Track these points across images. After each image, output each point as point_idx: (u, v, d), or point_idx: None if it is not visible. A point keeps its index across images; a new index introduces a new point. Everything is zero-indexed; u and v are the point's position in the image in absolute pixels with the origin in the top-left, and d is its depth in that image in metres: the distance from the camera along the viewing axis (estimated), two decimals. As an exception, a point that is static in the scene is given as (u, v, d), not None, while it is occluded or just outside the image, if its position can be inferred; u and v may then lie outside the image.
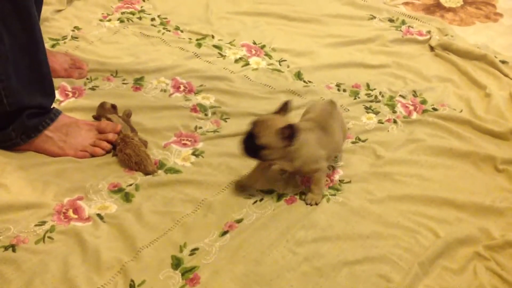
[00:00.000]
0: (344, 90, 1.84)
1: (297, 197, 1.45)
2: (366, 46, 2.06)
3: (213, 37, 2.05)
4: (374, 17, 2.23)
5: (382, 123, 1.71)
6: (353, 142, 1.63)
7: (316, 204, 1.42)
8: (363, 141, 1.64)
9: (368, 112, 1.75)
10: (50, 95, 1.51)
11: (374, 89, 1.85)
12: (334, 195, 1.46)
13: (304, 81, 1.87)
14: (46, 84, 1.49)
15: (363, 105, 1.77)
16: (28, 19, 1.41)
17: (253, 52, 1.99)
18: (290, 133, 1.31)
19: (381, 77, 1.90)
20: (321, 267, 1.27)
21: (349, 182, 1.50)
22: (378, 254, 1.31)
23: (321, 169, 1.42)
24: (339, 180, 1.50)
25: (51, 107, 1.52)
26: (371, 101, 1.79)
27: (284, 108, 1.38)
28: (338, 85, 1.86)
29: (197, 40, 2.02)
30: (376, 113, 1.75)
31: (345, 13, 2.25)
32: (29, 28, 1.42)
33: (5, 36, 1.38)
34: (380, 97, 1.81)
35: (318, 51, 2.02)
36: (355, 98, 1.80)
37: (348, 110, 1.75)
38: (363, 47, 2.06)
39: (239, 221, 1.37)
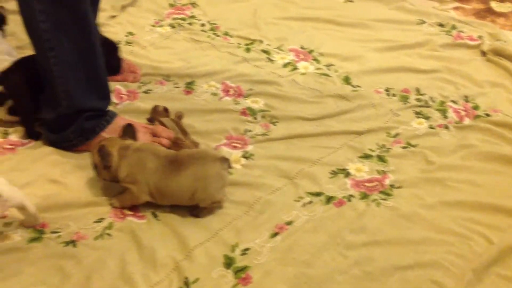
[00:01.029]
0: (394, 95, 1.83)
1: (346, 200, 1.46)
2: (415, 51, 2.05)
3: (261, 42, 2.08)
4: (424, 22, 2.21)
5: (433, 128, 1.70)
6: (403, 147, 1.63)
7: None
8: (414, 146, 1.63)
9: (418, 117, 1.74)
10: (106, 98, 1.56)
11: (425, 94, 1.83)
12: (385, 199, 1.46)
13: (353, 86, 1.88)
14: (102, 87, 1.54)
15: (413, 110, 1.77)
16: (86, 25, 1.46)
17: (301, 56, 2.01)
18: (102, 154, 1.33)
19: (431, 82, 1.89)
20: (372, 271, 1.27)
21: (400, 187, 1.49)
22: (430, 259, 1.30)
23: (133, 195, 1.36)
24: (390, 185, 1.50)
25: (107, 109, 1.57)
26: (421, 106, 1.78)
27: (126, 132, 1.41)
28: (387, 90, 1.86)
29: (245, 45, 2.06)
30: (427, 118, 1.74)
31: (393, 17, 2.25)
32: (87, 34, 1.47)
33: (64, 42, 1.44)
34: (430, 102, 1.80)
35: (366, 55, 2.02)
36: (404, 103, 1.80)
37: (398, 115, 1.75)
38: (412, 52, 2.05)
39: (289, 223, 1.39)
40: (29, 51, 1.76)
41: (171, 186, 1.34)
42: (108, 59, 1.56)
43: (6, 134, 1.57)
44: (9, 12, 1.95)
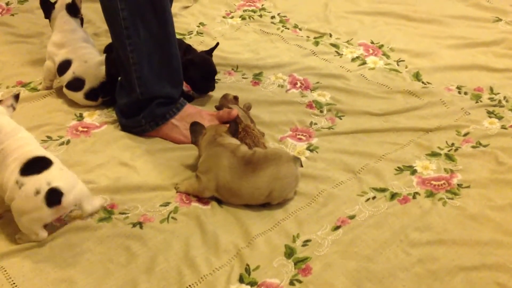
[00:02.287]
0: (465, 93, 1.78)
1: (411, 197, 1.43)
2: (490, 49, 1.99)
3: (330, 35, 2.07)
4: (500, 20, 2.14)
5: (506, 128, 1.64)
6: (473, 147, 1.58)
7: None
8: (484, 146, 1.58)
9: (490, 117, 1.68)
10: (178, 86, 1.60)
11: (498, 93, 1.77)
12: (452, 199, 1.42)
13: (423, 82, 1.84)
14: (175, 75, 1.58)
15: (486, 109, 1.71)
16: (162, 14, 1.51)
17: (371, 51, 1.98)
18: (192, 132, 1.41)
19: (506, 81, 1.83)
20: (435, 271, 1.24)
21: (468, 187, 1.45)
22: (496, 262, 1.26)
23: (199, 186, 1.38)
24: (458, 184, 1.46)
25: (178, 97, 1.61)
26: (494, 106, 1.72)
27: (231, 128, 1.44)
28: (458, 88, 1.80)
29: (314, 38, 2.05)
30: (499, 118, 1.68)
31: (469, 14, 2.18)
32: (163, 23, 1.51)
33: (141, 30, 1.48)
34: (504, 102, 1.74)
35: (438, 52, 1.97)
36: (476, 102, 1.74)
37: (469, 113, 1.70)
38: (487, 50, 1.98)
39: (351, 217, 1.38)
40: (105, 38, 1.85)
41: (245, 187, 1.36)
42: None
43: (81, 117, 1.64)
44: (86, 0, 2.04)
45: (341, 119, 1.69)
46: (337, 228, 1.35)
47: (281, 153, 1.42)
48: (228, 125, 1.46)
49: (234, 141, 1.42)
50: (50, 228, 1.27)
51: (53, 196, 1.19)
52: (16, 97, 1.32)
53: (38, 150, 1.25)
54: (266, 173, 1.35)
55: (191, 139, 1.43)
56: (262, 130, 1.62)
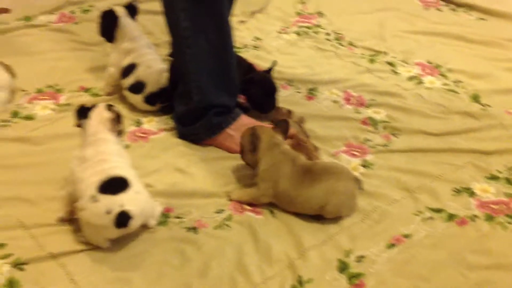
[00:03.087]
0: (526, 117, 1.74)
1: (469, 219, 1.40)
2: (551, 74, 1.94)
3: (386, 54, 2.06)
4: (562, 44, 2.09)
5: None
6: (534, 171, 1.54)
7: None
8: (547, 171, 1.54)
9: (554, 143, 1.64)
10: (234, 96, 1.62)
11: (561, 118, 1.73)
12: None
13: (481, 104, 1.81)
14: (232, 85, 1.60)
15: (547, 134, 1.67)
16: (222, 25, 1.53)
17: (427, 71, 1.97)
18: (252, 138, 1.37)
19: None
20: (494, 295, 1.21)
21: (530, 212, 1.41)
22: (559, 290, 1.22)
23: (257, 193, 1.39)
24: (518, 208, 1.42)
25: (234, 107, 1.62)
26: (556, 131, 1.68)
27: (279, 125, 1.44)
28: (519, 111, 1.77)
29: (370, 56, 2.05)
30: None
31: (528, 38, 2.14)
32: (223, 34, 1.54)
33: (201, 40, 1.51)
34: None
35: (497, 74, 1.94)
36: (538, 126, 1.70)
37: (530, 138, 1.66)
38: (548, 75, 1.94)
39: (407, 236, 1.36)
40: (164, 49, 1.89)
41: (302, 196, 1.36)
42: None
43: (139, 123, 1.68)
44: (147, 12, 2.09)
45: (396, 137, 1.67)
46: (392, 246, 1.33)
47: (342, 168, 1.42)
48: (271, 126, 1.45)
49: (293, 150, 1.43)
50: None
51: (122, 219, 1.20)
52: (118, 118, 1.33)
53: (119, 169, 1.25)
54: (324, 185, 1.35)
55: (249, 147, 1.41)
56: (316, 144, 1.62)
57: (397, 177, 1.52)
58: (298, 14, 2.30)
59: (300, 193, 1.35)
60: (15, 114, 1.66)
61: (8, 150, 1.53)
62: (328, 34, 2.18)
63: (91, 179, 1.22)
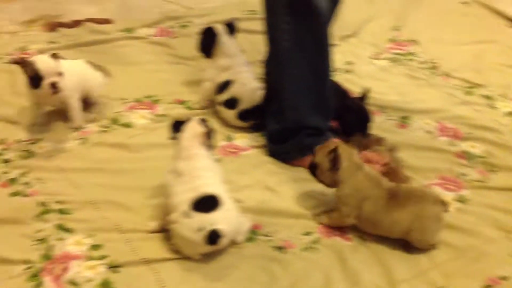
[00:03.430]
0: None
1: None
2: None
3: (483, 86, 1.99)
4: None
5: None
6: None
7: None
8: None
9: None
10: (327, 119, 1.62)
11: None
12: None
13: None
14: (326, 108, 1.60)
15: None
16: (323, 48, 1.54)
17: (528, 107, 1.89)
18: (333, 157, 1.32)
19: None
20: None
21: None
22: None
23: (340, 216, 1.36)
24: None
25: (326, 130, 1.61)
26: None
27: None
28: None
29: (466, 87, 1.99)
30: None
31: None
32: (323, 56, 1.54)
33: (300, 61, 1.52)
34: None
35: None
36: None
37: None
38: None
39: (503, 278, 1.30)
40: (258, 68, 1.91)
41: (387, 220, 1.33)
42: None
43: (230, 138, 1.70)
44: (243, 31, 2.13)
45: (495, 173, 1.60)
46: (487, 287, 1.27)
47: (428, 192, 1.38)
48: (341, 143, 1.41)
49: (376, 172, 1.40)
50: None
51: (213, 237, 1.22)
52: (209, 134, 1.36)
53: (211, 186, 1.27)
54: (408, 210, 1.32)
55: (328, 166, 1.35)
56: (408, 174, 1.58)
57: (493, 216, 1.46)
58: (392, 40, 2.27)
59: (386, 217, 1.32)
60: (114, 121, 1.72)
61: (107, 154, 1.59)
62: (422, 62, 2.14)
63: (185, 195, 1.25)
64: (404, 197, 1.33)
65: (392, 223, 1.33)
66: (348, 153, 1.36)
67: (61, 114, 1.70)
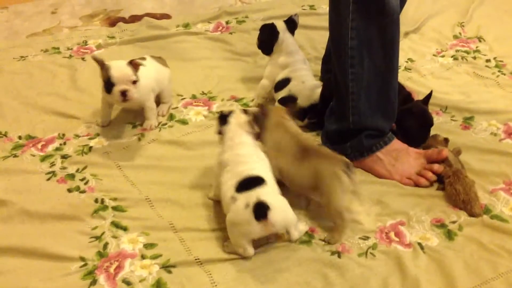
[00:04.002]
0: None
1: None
2: None
3: (554, 86, 1.88)
4: None
5: None
6: None
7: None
8: None
9: None
10: (391, 120, 1.56)
11: None
12: None
13: None
14: (390, 109, 1.54)
15: None
16: (391, 47, 1.47)
17: None
18: (262, 112, 1.41)
19: None
20: None
21: None
22: None
23: None
24: None
25: (388, 131, 1.56)
26: None
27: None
28: None
29: (535, 88, 1.88)
30: None
31: None
32: (389, 56, 1.48)
33: (366, 60, 1.46)
34: None
35: None
36: None
37: None
38: None
39: None
40: (313, 65, 1.87)
41: (297, 174, 1.36)
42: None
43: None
44: (299, 27, 2.09)
45: None
46: (557, 301, 1.20)
47: (332, 153, 1.38)
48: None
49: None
50: (255, 243, 1.29)
51: (260, 209, 1.20)
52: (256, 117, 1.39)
53: (255, 170, 1.27)
54: (310, 164, 1.34)
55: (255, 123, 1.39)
56: (471, 177, 1.50)
57: None
58: (456, 37, 2.18)
59: (296, 171, 1.37)
60: (171, 117, 1.73)
61: (163, 151, 1.59)
62: (488, 60, 2.04)
63: (230, 182, 1.25)
64: (311, 154, 1.36)
65: (299, 177, 1.36)
66: (278, 113, 1.44)
67: (124, 110, 1.72)
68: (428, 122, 1.61)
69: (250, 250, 1.26)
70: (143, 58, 1.68)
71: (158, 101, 1.73)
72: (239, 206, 1.22)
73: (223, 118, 1.36)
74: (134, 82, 1.53)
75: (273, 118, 1.42)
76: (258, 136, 1.38)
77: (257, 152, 1.33)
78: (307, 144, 1.39)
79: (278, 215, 1.22)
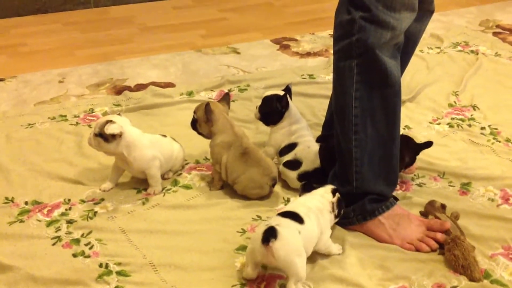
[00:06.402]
0: None
1: None
2: None
3: (547, 154, 1.93)
4: None
5: None
6: None
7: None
8: None
9: None
10: (392, 185, 1.60)
11: None
12: None
13: None
14: (392, 175, 1.58)
15: None
16: (393, 116, 1.53)
17: None
18: (206, 110, 1.65)
19: None
20: None
21: None
22: None
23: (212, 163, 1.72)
24: None
25: (390, 196, 1.59)
26: None
27: (224, 99, 1.74)
28: None
29: (530, 155, 1.93)
30: None
31: None
32: (392, 125, 1.54)
33: (369, 128, 1.51)
34: None
35: None
36: None
37: None
38: None
39: None
40: (313, 131, 1.93)
41: (235, 173, 1.65)
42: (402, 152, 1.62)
43: (289, 201, 1.70)
44: (298, 94, 2.18)
45: None
46: None
47: (265, 160, 1.68)
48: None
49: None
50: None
51: (268, 233, 1.27)
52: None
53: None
54: (244, 167, 1.66)
55: (205, 119, 1.68)
56: (471, 243, 1.52)
57: None
58: (451, 106, 2.25)
59: (235, 170, 1.65)
60: (175, 183, 1.76)
61: (167, 216, 1.62)
62: (483, 128, 2.10)
63: None
64: (249, 156, 1.65)
65: (236, 177, 1.65)
66: (220, 109, 1.69)
67: (129, 176, 1.76)
68: (412, 143, 1.74)
69: (251, 273, 1.32)
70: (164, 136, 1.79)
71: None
72: (263, 223, 1.33)
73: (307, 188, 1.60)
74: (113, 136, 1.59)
75: (221, 117, 1.68)
76: (336, 217, 1.50)
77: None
78: (249, 149, 1.65)
79: (282, 249, 1.27)
